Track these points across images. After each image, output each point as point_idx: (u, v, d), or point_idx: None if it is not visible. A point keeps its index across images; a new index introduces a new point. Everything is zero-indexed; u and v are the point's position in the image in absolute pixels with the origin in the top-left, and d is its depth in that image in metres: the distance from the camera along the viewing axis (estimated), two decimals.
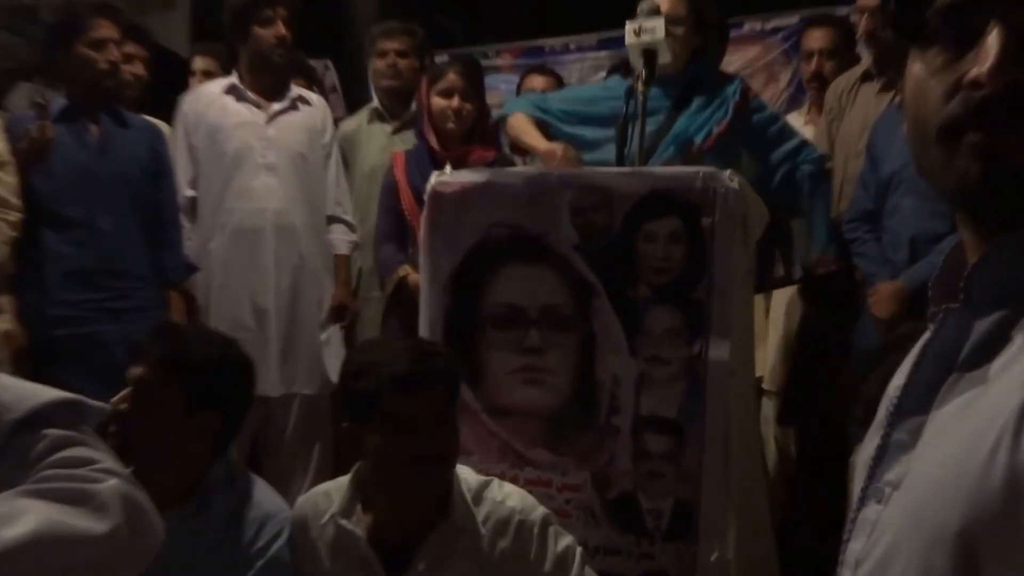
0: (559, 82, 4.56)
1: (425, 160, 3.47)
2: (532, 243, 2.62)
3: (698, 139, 3.02)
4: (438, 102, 3.49)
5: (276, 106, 3.75)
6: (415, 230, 3.15)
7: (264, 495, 2.17)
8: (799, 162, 3.14)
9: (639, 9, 2.83)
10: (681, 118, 3.02)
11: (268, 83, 3.76)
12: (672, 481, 2.51)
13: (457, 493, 2.04)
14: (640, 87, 2.79)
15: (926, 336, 0.82)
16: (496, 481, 2.13)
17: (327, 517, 2.08)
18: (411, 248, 3.40)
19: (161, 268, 3.50)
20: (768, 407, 3.69)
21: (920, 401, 0.78)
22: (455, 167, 3.16)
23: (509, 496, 2.08)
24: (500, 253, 2.67)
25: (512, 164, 3.48)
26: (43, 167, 3.24)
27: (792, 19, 5.28)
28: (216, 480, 2.12)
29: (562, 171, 2.80)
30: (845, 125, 3.70)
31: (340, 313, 3.80)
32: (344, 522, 2.05)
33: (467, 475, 2.10)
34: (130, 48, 3.77)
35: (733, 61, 5.01)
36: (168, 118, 3.88)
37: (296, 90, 3.84)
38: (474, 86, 3.53)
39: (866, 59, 3.88)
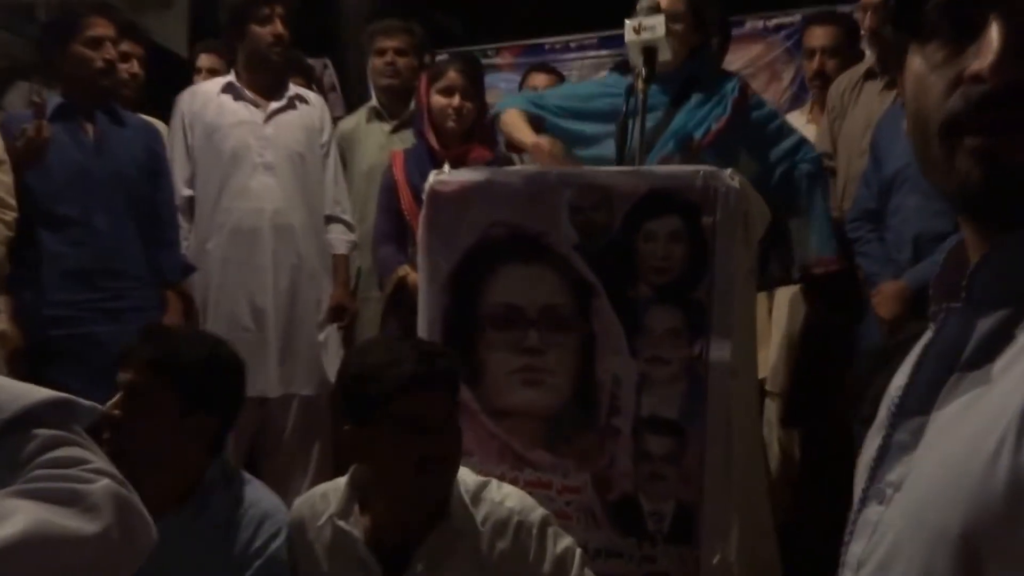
0: (561, 81, 4.56)
1: (424, 159, 3.46)
2: (531, 242, 2.61)
3: (697, 135, 3.00)
4: (438, 100, 3.48)
5: (274, 105, 3.74)
6: (414, 230, 3.13)
7: (261, 494, 2.17)
8: (797, 161, 3.12)
9: (638, 7, 2.82)
10: (679, 114, 3.00)
11: (266, 82, 3.75)
12: (674, 483, 2.49)
13: (456, 494, 2.03)
14: (640, 85, 2.77)
15: (927, 336, 0.81)
16: (494, 482, 2.12)
17: (324, 519, 2.07)
18: (410, 248, 3.38)
19: (158, 268, 3.48)
20: (771, 409, 3.67)
21: (922, 401, 0.77)
22: (455, 166, 3.14)
23: (508, 497, 2.08)
24: (499, 253, 2.65)
25: (511, 163, 3.46)
26: (39, 166, 3.23)
27: (794, 17, 5.26)
28: (213, 481, 2.12)
29: (561, 170, 2.78)
30: (848, 124, 3.68)
31: (339, 313, 3.79)
32: (342, 523, 2.04)
33: (465, 476, 2.09)
34: (126, 47, 3.77)
35: (735, 60, 4.99)
36: (166, 117, 3.87)
37: (294, 89, 3.84)
38: (474, 84, 3.52)
39: (869, 57, 3.86)
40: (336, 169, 3.90)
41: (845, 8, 4.46)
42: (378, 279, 3.68)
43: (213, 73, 4.23)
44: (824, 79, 3.96)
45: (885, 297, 3.13)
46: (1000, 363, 0.72)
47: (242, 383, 2.23)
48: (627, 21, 2.80)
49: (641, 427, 2.52)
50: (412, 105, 4.01)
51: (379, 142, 4.12)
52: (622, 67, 3.17)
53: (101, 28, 3.36)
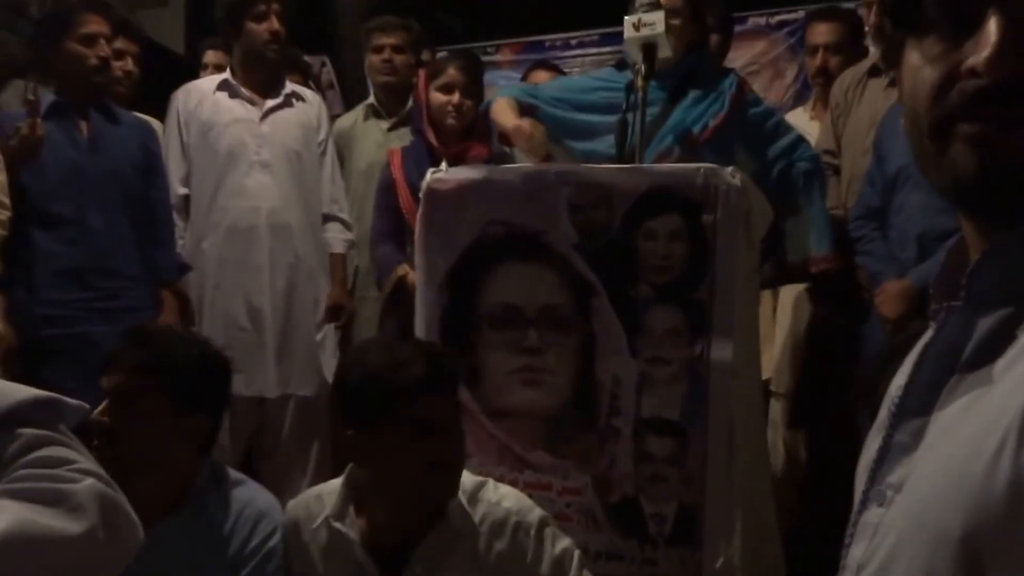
0: None
1: (423, 157, 3.44)
2: (530, 241, 2.59)
3: (695, 131, 2.97)
4: (437, 98, 3.46)
5: (270, 102, 3.72)
6: (413, 228, 3.10)
7: (255, 493, 2.16)
8: (795, 159, 3.09)
9: (637, 3, 2.80)
10: (677, 110, 2.98)
11: (262, 79, 3.72)
12: (675, 485, 2.47)
13: None
14: (639, 82, 2.75)
15: (928, 335, 0.80)
16: (491, 482, 2.11)
17: (320, 520, 2.05)
18: (409, 247, 3.35)
19: (154, 267, 3.46)
20: (776, 409, 3.65)
21: (922, 402, 0.76)
22: (454, 164, 3.13)
23: (505, 497, 2.07)
24: (497, 251, 2.63)
25: (511, 161, 3.44)
26: (34, 164, 3.21)
27: (797, 13, 5.23)
28: (205, 482, 2.11)
29: (560, 168, 2.76)
30: (852, 121, 3.65)
31: (336, 313, 3.77)
32: (338, 525, 2.02)
33: (462, 476, 2.06)
34: (121, 44, 3.75)
35: (738, 57, 4.97)
36: (164, 115, 3.84)
37: (291, 86, 3.82)
38: (474, 82, 3.51)
39: (873, 54, 3.83)
40: (333, 167, 3.88)
41: (848, 4, 4.43)
42: (376, 278, 3.65)
43: (220, 70, 4.20)
44: (827, 76, 3.92)
45: (889, 296, 3.11)
46: (1001, 363, 0.71)
47: (230, 380, 2.23)
48: (627, 18, 2.78)
49: (642, 428, 2.50)
50: (410, 103, 3.99)
51: (377, 140, 4.11)
52: (622, 65, 3.14)
53: (95, 25, 3.34)
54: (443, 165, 3.04)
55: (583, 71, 5.63)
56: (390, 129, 4.14)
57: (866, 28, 3.95)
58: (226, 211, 3.62)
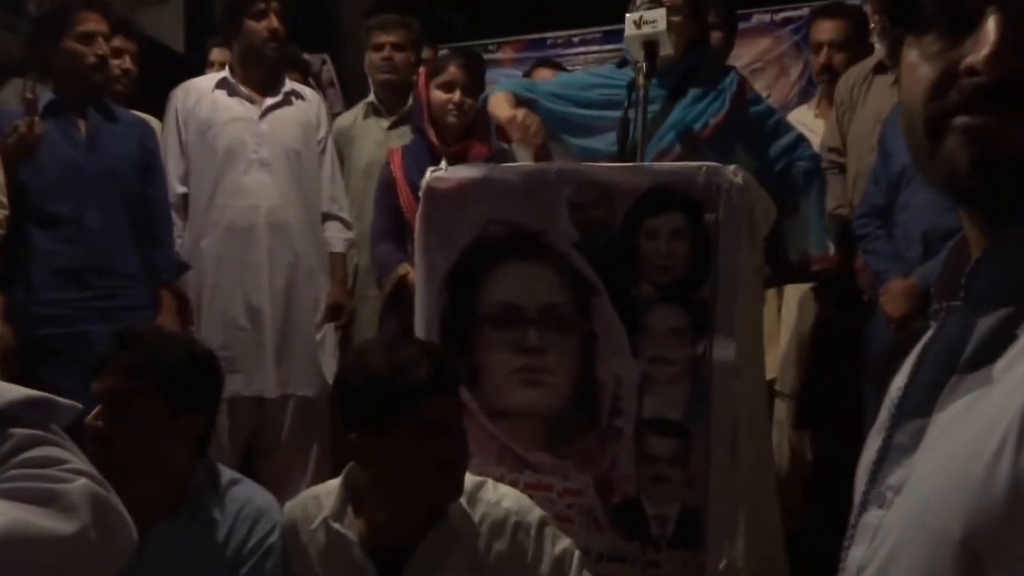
0: None
1: (423, 155, 3.43)
2: (530, 240, 2.57)
3: (696, 129, 2.95)
4: (438, 96, 3.45)
5: (269, 101, 3.70)
6: (413, 227, 3.09)
7: (253, 492, 2.15)
8: (795, 158, 3.08)
9: (638, 0, 2.77)
10: (677, 108, 2.96)
11: (261, 77, 3.71)
12: (678, 486, 2.45)
13: None
14: (641, 80, 2.74)
15: (928, 335, 0.80)
16: (490, 482, 2.10)
17: (318, 522, 2.04)
18: (410, 246, 3.34)
19: (152, 267, 3.44)
20: (781, 409, 3.63)
21: (921, 403, 0.76)
22: (454, 162, 3.12)
23: (505, 497, 2.06)
24: (497, 250, 2.61)
25: (511, 160, 3.42)
26: (31, 163, 3.19)
27: (802, 10, 5.21)
28: (202, 483, 2.09)
29: (560, 166, 2.74)
30: (858, 118, 3.63)
31: (336, 312, 3.76)
32: (336, 526, 2.01)
33: None
34: (119, 42, 3.74)
35: (743, 54, 4.96)
36: (163, 113, 3.82)
37: (290, 84, 3.80)
38: (475, 80, 3.50)
39: (879, 50, 3.80)
40: (333, 166, 3.86)
41: (853, 0, 4.40)
42: (376, 278, 3.63)
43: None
44: (831, 73, 3.90)
45: (893, 295, 3.09)
46: (1001, 363, 0.71)
47: (222, 378, 2.23)
48: (628, 15, 2.77)
49: (643, 428, 2.48)
50: (410, 101, 3.97)
51: (377, 138, 4.10)
52: (623, 62, 3.12)
53: (93, 23, 3.33)
54: (443, 164, 3.02)
55: (585, 69, 5.62)
56: (390, 127, 4.13)
57: (871, 25, 3.93)
58: (225, 210, 3.60)
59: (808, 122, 3.94)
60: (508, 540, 2.00)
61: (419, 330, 2.69)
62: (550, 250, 2.55)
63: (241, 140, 3.63)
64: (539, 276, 2.57)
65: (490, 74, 4.41)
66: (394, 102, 4.16)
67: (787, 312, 3.68)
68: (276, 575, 2.06)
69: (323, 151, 3.82)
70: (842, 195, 3.57)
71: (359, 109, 4.28)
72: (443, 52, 4.45)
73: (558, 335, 2.55)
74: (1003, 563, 0.66)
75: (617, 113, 2.78)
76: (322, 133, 3.83)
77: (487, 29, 6.31)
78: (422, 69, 3.75)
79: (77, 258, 3.27)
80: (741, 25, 4.50)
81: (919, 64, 0.76)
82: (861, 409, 3.05)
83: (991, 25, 0.71)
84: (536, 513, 2.05)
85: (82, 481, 1.20)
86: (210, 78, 3.77)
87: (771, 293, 3.58)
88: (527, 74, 4.62)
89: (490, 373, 2.60)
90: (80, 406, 1.38)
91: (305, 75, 4.36)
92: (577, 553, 2.06)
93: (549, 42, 6.03)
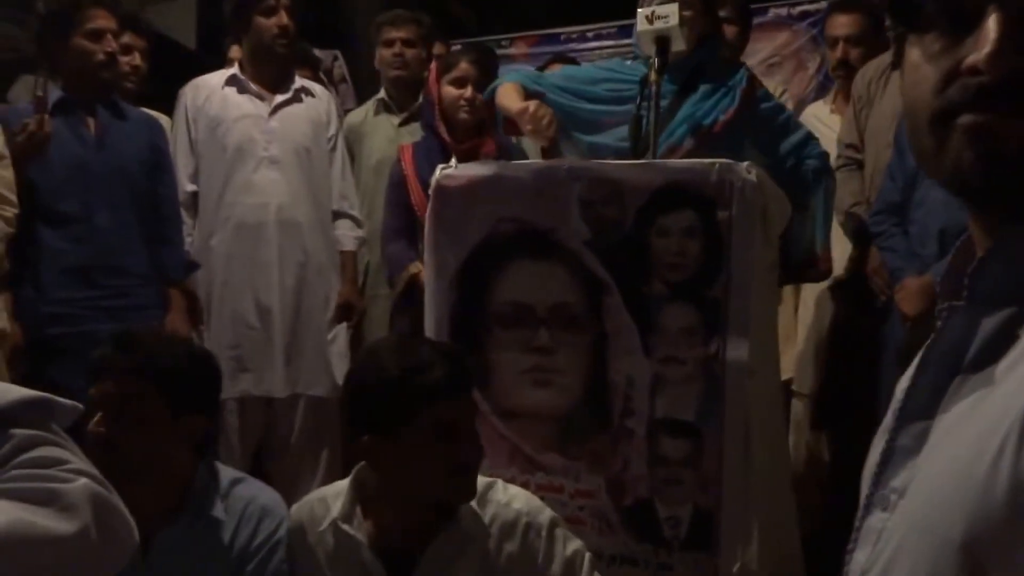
0: None
1: (434, 152, 3.42)
2: (541, 238, 2.55)
3: (705, 124, 2.92)
4: (450, 92, 3.43)
5: (279, 98, 3.69)
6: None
7: (257, 490, 2.14)
8: (804, 156, 3.04)
9: None
10: (687, 104, 2.93)
11: (271, 74, 3.69)
12: (690, 487, 2.43)
13: None
14: (653, 76, 2.71)
15: (932, 336, 0.80)
16: (500, 482, 2.07)
17: (326, 524, 2.02)
18: (421, 244, 3.31)
19: (161, 265, 3.43)
20: (798, 409, 3.59)
21: (925, 405, 0.76)
22: (466, 159, 3.10)
23: (515, 498, 2.04)
24: (508, 249, 2.59)
25: (521, 157, 3.39)
26: (41, 161, 3.18)
27: (819, 4, 5.16)
28: (204, 484, 2.08)
29: (571, 163, 2.72)
30: (875, 114, 3.58)
31: (346, 311, 3.74)
32: (346, 527, 1.99)
33: None
34: (128, 39, 3.74)
35: (760, 49, 4.91)
36: (173, 110, 3.81)
37: (300, 81, 3.79)
38: (488, 76, 3.47)
39: None
40: (343, 163, 3.84)
41: None
42: (387, 276, 3.62)
43: None
44: (848, 68, 3.85)
45: (909, 293, 3.06)
46: (1004, 364, 0.71)
47: (221, 378, 2.21)
48: (639, 10, 2.75)
49: (656, 429, 2.46)
50: (421, 97, 3.94)
51: (387, 135, 4.08)
52: (633, 57, 3.09)
53: (102, 20, 3.31)
54: (453, 161, 2.99)
55: (592, 63, 5.58)
56: (401, 124, 4.11)
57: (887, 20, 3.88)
58: (234, 207, 3.59)
59: (824, 117, 3.91)
60: (519, 541, 1.98)
61: (429, 329, 2.67)
62: (561, 248, 2.53)
63: (251, 137, 3.61)
64: (550, 275, 2.54)
65: (503, 70, 4.36)
66: (405, 99, 4.14)
67: (804, 311, 3.65)
68: (282, 571, 2.04)
69: (333, 148, 3.80)
70: (860, 192, 3.54)
71: (370, 106, 4.26)
72: (455, 48, 4.43)
73: (569, 334, 2.53)
74: (1004, 565, 0.65)
75: (625, 108, 2.76)
76: (332, 130, 3.81)
77: (499, 24, 6.28)
78: (433, 65, 3.73)
79: (86, 257, 3.26)
80: (758, 19, 4.46)
81: (921, 63, 0.76)
82: (878, 409, 3.02)
83: (992, 24, 0.71)
84: (547, 514, 2.03)
85: (83, 481, 1.20)
86: (220, 75, 3.75)
87: (788, 292, 3.54)
88: (542, 70, 4.59)
89: (500, 373, 2.58)
90: (81, 406, 1.36)
91: (316, 72, 4.34)
92: (588, 555, 2.04)
93: (563, 37, 5.98)
